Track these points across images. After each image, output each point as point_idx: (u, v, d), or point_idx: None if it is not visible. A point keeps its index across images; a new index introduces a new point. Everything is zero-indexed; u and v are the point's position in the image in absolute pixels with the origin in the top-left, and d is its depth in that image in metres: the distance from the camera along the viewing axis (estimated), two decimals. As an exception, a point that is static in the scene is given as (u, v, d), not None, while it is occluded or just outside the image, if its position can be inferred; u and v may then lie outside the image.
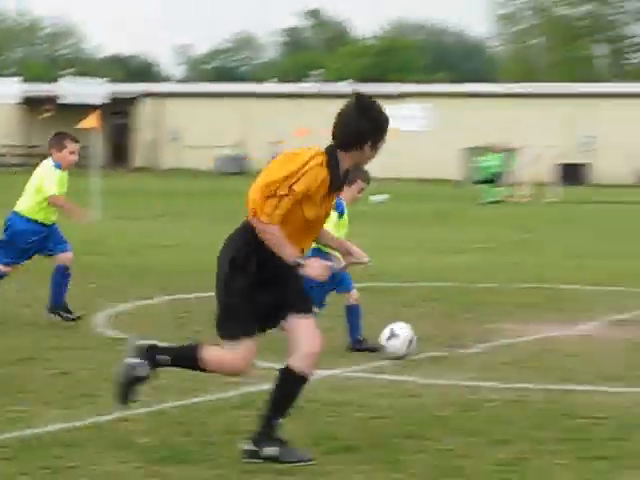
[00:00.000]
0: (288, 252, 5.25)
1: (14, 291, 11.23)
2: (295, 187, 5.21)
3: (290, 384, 5.48)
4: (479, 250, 19.08)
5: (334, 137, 5.39)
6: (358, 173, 8.21)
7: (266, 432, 5.43)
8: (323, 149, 5.39)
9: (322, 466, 5.27)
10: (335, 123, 5.40)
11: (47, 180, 9.62)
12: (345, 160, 5.41)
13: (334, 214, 8.16)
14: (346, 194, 8.22)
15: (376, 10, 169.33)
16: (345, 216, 8.81)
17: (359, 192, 8.76)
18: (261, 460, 5.36)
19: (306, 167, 5.24)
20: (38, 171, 9.83)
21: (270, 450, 5.39)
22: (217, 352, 5.50)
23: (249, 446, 5.46)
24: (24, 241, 9.72)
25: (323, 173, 5.29)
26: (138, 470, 5.19)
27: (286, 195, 5.20)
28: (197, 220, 25.81)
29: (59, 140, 9.83)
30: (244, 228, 5.46)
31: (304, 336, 5.41)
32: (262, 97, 66.05)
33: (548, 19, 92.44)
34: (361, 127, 5.31)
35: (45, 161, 9.87)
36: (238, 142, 62.93)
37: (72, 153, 9.80)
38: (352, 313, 9.16)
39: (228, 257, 5.40)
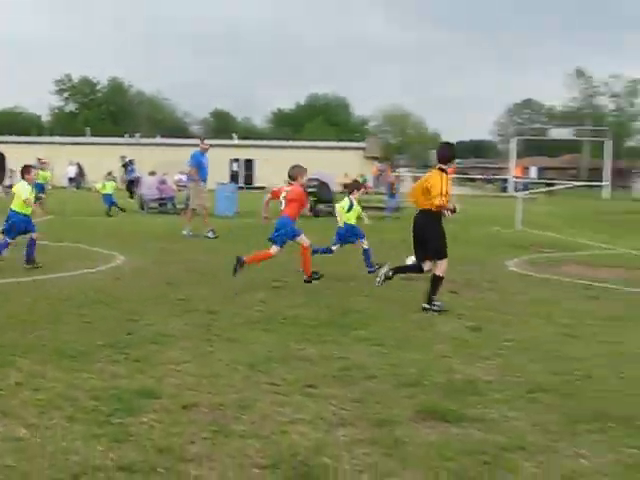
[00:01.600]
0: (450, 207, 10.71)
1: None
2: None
3: (437, 281, 10.65)
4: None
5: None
6: None
7: (431, 299, 10.57)
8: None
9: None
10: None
11: (24, 191, 14.02)
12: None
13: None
14: None
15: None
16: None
17: None
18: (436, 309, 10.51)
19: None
20: (18, 186, 14.22)
21: (436, 305, 10.57)
22: (442, 265, 10.72)
23: (425, 305, 10.61)
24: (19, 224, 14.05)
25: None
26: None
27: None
28: None
29: (27, 169, 14.45)
30: (426, 211, 10.78)
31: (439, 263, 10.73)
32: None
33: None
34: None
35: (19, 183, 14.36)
36: None
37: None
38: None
39: (431, 222, 10.77)
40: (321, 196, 33.02)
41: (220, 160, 68.50)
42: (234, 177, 66.98)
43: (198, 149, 22.33)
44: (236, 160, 72.07)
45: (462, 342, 8.71)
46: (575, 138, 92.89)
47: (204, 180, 22.33)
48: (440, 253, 10.75)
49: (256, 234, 21.82)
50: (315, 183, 33.01)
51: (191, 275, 13.53)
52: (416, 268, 11.18)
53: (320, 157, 62.02)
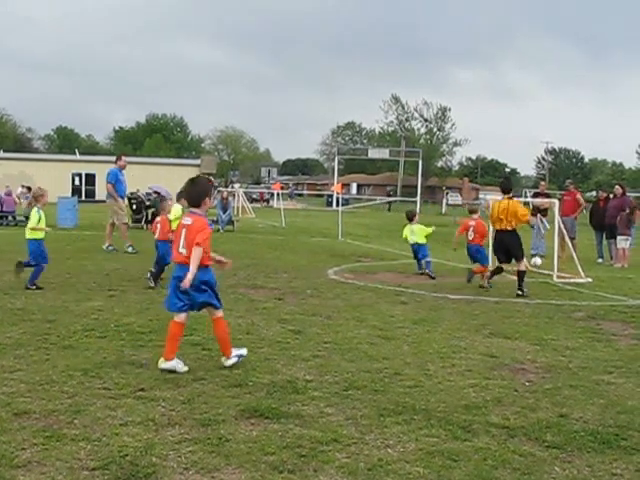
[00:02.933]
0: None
1: None
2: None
3: (523, 274, 14.07)
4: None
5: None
6: None
7: (521, 287, 13.78)
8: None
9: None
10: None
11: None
12: None
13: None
14: None
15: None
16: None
17: None
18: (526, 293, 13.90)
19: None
20: (33, 212, 13.02)
21: (525, 291, 13.88)
22: (523, 263, 14.44)
23: (518, 292, 13.87)
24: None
25: None
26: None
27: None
28: None
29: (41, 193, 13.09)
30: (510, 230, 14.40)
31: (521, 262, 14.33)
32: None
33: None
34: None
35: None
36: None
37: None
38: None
39: (515, 236, 14.36)
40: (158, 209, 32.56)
41: (62, 174, 66.51)
42: (76, 191, 64.94)
43: (115, 166, 21.24)
44: (78, 174, 70.03)
45: (285, 345, 8.77)
46: (391, 158, 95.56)
47: (122, 196, 21.21)
48: (521, 256, 14.37)
49: (95, 245, 21.30)
50: (154, 196, 32.55)
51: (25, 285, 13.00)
52: (499, 270, 14.87)
53: (158, 173, 61.17)
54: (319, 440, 5.45)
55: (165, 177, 55.06)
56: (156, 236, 13.95)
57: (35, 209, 13.08)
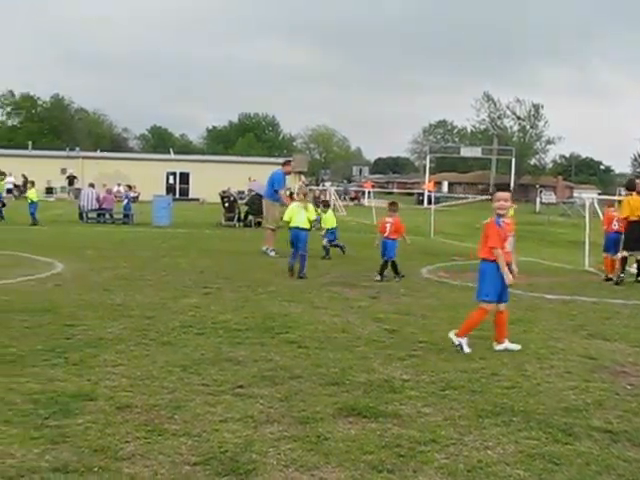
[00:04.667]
0: None
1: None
2: None
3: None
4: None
5: None
6: None
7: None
8: None
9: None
10: None
11: None
12: None
13: None
14: None
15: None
16: None
17: None
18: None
19: None
20: None
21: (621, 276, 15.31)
22: None
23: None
24: None
25: None
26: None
27: None
28: None
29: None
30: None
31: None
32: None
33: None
34: None
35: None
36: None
37: None
38: None
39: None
40: (252, 207, 32.83)
41: (157, 173, 67.84)
42: (170, 189, 66.20)
43: (281, 169, 20.60)
44: (173, 174, 71.32)
45: (380, 344, 8.75)
46: (483, 156, 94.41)
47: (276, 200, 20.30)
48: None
49: (189, 243, 21.69)
50: (245, 194, 32.98)
51: (127, 282, 13.33)
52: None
53: (250, 172, 61.76)
54: (417, 440, 5.42)
55: (256, 176, 55.51)
56: (386, 234, 15.26)
57: None
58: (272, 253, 19.24)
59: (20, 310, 10.05)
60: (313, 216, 15.89)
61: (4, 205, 33.42)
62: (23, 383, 6.56)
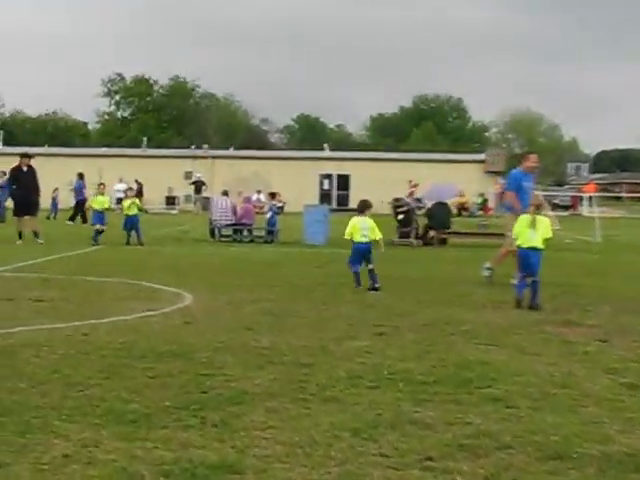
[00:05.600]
0: None
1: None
2: None
3: None
4: None
5: None
6: None
7: None
8: None
9: None
10: None
11: None
12: None
13: None
14: None
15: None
16: None
17: None
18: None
19: None
20: None
21: None
22: None
23: None
24: None
25: None
26: None
27: None
28: None
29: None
30: None
31: None
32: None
33: None
34: None
35: None
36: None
37: None
38: None
39: None
40: (434, 219, 32.86)
41: (308, 176, 68.83)
42: (325, 197, 67.08)
43: (520, 167, 19.72)
44: (328, 176, 72.21)
45: (617, 403, 8.56)
46: None
47: (524, 209, 18.58)
48: None
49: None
50: (424, 204, 33.04)
51: (275, 318, 13.62)
52: None
53: (430, 172, 61.87)
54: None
55: (438, 178, 55.63)
56: None
57: None
58: (487, 272, 19.27)
59: (141, 355, 10.44)
60: (549, 232, 15.73)
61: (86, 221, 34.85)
62: (150, 449, 6.79)
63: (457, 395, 8.67)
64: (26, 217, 30.70)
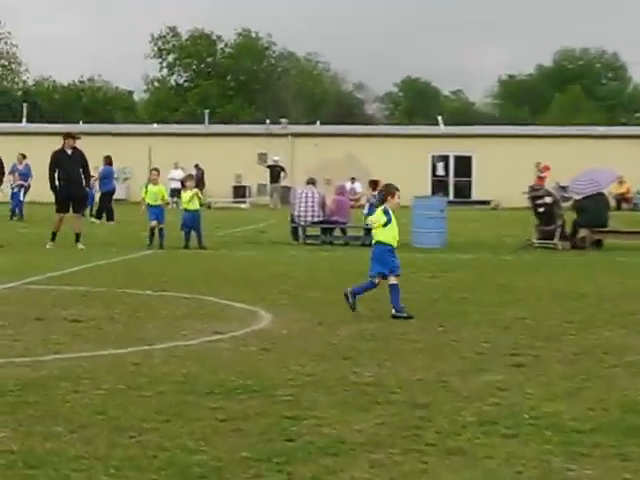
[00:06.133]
0: None
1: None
2: None
3: None
4: None
5: None
6: None
7: None
8: None
9: None
10: None
11: None
12: None
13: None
14: None
15: None
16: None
17: None
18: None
19: None
20: None
21: None
22: None
23: None
24: None
25: None
26: None
27: None
28: None
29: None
30: None
31: None
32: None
33: None
34: None
35: None
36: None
37: None
38: None
39: None
40: (586, 214, 32.44)
41: (417, 160, 68.54)
42: (439, 186, 66.75)
43: None
44: (443, 159, 71.84)
45: None
46: None
47: None
48: None
49: (482, 277, 21.84)
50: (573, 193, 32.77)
51: (380, 343, 13.65)
52: None
53: (579, 152, 61.28)
54: None
55: (588, 159, 55.10)
56: None
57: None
58: None
59: (208, 391, 10.50)
60: None
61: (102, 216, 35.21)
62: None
63: (623, 448, 8.56)
64: (70, 215, 30.86)
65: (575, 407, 10.03)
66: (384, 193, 17.51)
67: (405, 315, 16.10)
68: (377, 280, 16.76)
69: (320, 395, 10.41)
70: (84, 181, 31.17)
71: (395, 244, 16.82)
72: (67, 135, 31.53)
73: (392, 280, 16.45)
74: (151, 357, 12.42)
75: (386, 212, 16.67)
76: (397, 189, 17.12)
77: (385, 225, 16.61)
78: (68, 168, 30.53)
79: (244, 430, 8.97)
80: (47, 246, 29.66)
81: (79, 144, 31.47)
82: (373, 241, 17.14)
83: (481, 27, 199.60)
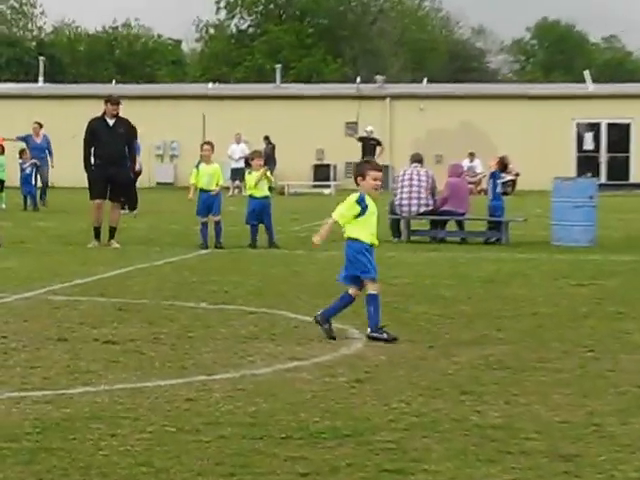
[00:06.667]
0: None
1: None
2: None
3: None
4: None
5: None
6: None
7: None
8: None
9: None
10: None
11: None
12: None
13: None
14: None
15: None
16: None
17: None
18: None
19: None
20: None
21: None
22: None
23: None
24: None
25: None
26: None
27: None
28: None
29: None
30: None
31: None
32: None
33: None
34: None
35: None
36: None
37: None
38: None
39: None
40: None
41: (557, 128, 68.08)
42: (587, 164, 66.24)
43: None
44: (592, 127, 71.26)
45: None
46: None
47: None
48: None
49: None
50: None
51: (509, 374, 13.64)
52: None
53: None
54: None
55: None
56: None
57: None
58: None
59: (285, 435, 10.50)
60: None
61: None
62: None
63: None
64: (109, 202, 30.70)
65: None
66: (354, 174, 17.20)
67: (386, 337, 15.91)
68: (352, 290, 16.58)
69: (431, 442, 10.38)
70: (128, 161, 31.00)
71: (372, 242, 16.46)
72: (109, 100, 30.87)
73: (370, 289, 16.30)
74: (209, 390, 12.46)
75: (361, 200, 16.18)
76: (377, 167, 16.85)
77: (358, 217, 16.19)
78: (107, 142, 30.19)
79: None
80: (89, 245, 29.95)
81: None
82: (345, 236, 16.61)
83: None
